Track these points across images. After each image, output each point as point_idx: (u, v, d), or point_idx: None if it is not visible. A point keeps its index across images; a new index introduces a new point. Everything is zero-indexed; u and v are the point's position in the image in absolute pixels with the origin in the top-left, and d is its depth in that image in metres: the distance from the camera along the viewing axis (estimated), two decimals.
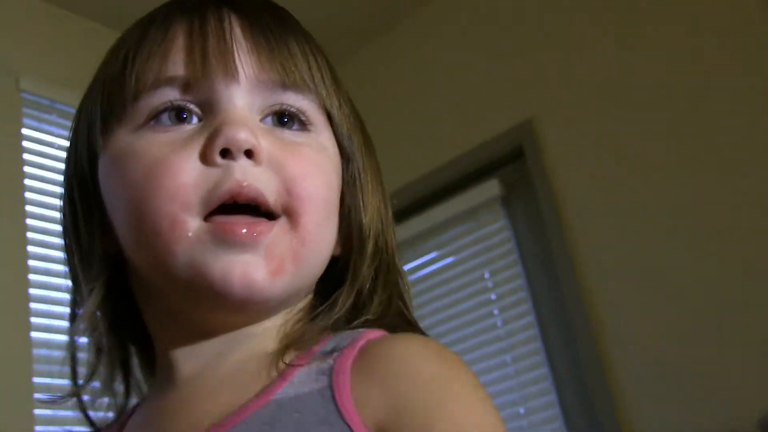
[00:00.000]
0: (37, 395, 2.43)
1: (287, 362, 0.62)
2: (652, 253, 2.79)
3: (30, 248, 2.77)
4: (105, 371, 0.71)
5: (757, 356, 2.51)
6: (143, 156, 0.63)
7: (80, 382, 0.71)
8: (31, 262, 2.76)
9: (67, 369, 0.71)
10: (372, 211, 0.72)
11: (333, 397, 0.58)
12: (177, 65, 0.65)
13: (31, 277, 2.73)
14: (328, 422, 0.57)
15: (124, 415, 0.73)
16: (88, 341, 0.70)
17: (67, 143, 0.75)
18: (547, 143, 3.12)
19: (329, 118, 0.70)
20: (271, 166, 0.63)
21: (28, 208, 2.82)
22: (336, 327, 0.66)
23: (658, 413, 2.67)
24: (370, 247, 0.70)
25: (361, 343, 0.62)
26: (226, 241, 0.61)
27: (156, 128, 0.64)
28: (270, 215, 0.63)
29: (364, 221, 0.71)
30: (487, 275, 3.21)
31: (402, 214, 3.24)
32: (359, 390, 0.58)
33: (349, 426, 0.56)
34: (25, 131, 2.95)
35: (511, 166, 3.23)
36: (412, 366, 0.59)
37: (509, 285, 3.14)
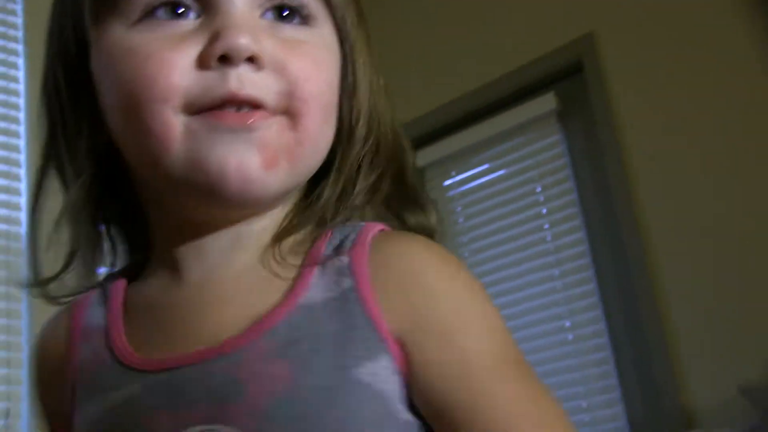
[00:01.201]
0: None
1: (297, 264, 0.63)
2: (710, 175, 2.76)
3: None
4: (84, 259, 0.69)
5: None
6: (137, 53, 0.61)
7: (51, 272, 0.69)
8: None
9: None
10: (363, 92, 0.70)
11: (359, 301, 0.60)
12: None
13: None
14: (356, 324, 0.59)
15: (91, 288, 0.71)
16: (70, 230, 0.68)
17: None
18: (607, 59, 3.07)
19: (330, 9, 0.68)
20: (272, 68, 0.62)
21: None
22: (333, 219, 0.67)
23: (705, 333, 2.69)
24: (360, 129, 0.69)
25: (368, 238, 0.63)
26: (218, 128, 0.59)
27: (151, 24, 0.62)
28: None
29: (354, 105, 0.69)
30: (538, 189, 3.21)
31: (456, 126, 3.28)
32: (380, 295, 0.60)
33: (377, 330, 0.59)
34: None
35: (568, 81, 3.19)
36: (428, 276, 0.61)
37: (560, 200, 3.14)
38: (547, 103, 3.20)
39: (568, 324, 3.02)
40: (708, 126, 2.80)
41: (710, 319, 2.69)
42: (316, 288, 0.61)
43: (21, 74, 2.76)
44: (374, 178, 0.69)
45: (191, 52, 0.60)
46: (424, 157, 3.32)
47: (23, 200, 2.65)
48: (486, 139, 3.31)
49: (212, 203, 0.62)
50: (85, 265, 0.69)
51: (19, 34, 2.79)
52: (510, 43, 3.31)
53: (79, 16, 0.66)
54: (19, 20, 2.80)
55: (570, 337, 3.00)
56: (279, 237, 0.65)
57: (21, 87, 2.75)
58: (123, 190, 0.69)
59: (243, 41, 0.59)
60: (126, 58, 0.61)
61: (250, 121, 0.60)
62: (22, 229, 2.60)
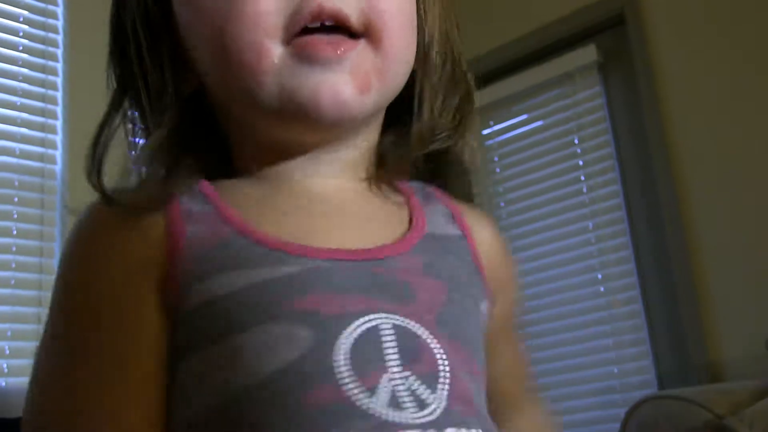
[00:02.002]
0: None
1: (395, 193, 0.71)
2: (751, 128, 2.75)
3: None
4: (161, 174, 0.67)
5: None
6: None
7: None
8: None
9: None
10: (434, 18, 0.71)
11: (470, 251, 0.69)
12: None
13: None
14: (474, 269, 0.69)
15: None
16: (147, 161, 0.67)
17: None
18: (650, 12, 3.05)
19: None
20: None
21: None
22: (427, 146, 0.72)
23: (736, 288, 2.69)
24: (435, 55, 0.71)
25: (449, 201, 0.74)
26: (311, 61, 0.60)
27: None
28: (352, 36, 0.62)
29: (425, 29, 0.70)
30: (576, 141, 3.20)
31: (497, 74, 3.26)
32: (482, 254, 0.70)
33: (482, 278, 0.69)
34: None
35: (610, 33, 3.18)
36: (508, 255, 0.77)
37: (598, 153, 3.14)
38: (588, 54, 3.18)
39: (599, 276, 3.03)
40: (750, 78, 2.78)
41: (741, 274, 2.70)
42: (432, 223, 0.69)
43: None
44: (456, 105, 0.71)
45: None
46: None
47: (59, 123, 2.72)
48: (525, 89, 3.31)
49: (309, 130, 0.64)
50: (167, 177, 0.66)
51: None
52: None
53: None
54: None
55: (602, 289, 3.01)
56: (389, 165, 0.71)
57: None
58: (203, 124, 0.70)
59: None
60: None
61: (340, 50, 0.61)
62: (58, 152, 2.69)
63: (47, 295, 2.48)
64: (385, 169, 0.70)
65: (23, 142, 2.62)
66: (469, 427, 0.56)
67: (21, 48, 2.69)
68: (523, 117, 3.34)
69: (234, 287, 0.58)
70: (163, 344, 0.58)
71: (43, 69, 2.72)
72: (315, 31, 0.61)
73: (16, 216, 2.57)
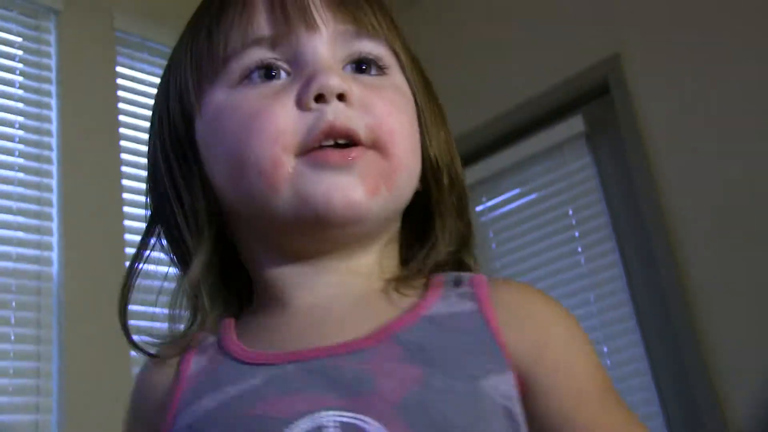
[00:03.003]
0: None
1: (413, 293, 0.71)
2: (742, 192, 2.75)
3: (124, 182, 2.87)
4: (199, 319, 0.74)
5: None
6: (241, 108, 0.68)
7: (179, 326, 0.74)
8: (125, 195, 2.86)
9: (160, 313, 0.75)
10: (438, 144, 0.76)
11: (484, 321, 0.67)
12: (261, 26, 0.70)
13: (126, 209, 2.83)
14: (482, 340, 0.65)
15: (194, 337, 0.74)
16: (192, 291, 0.73)
17: (155, 86, 0.80)
18: (633, 79, 3.08)
19: (398, 60, 0.75)
20: (360, 107, 0.68)
21: (122, 143, 2.92)
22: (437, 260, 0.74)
23: (743, 355, 2.67)
24: (445, 178, 0.76)
25: (483, 278, 0.71)
26: (323, 167, 0.65)
27: (248, 86, 0.69)
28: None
29: (431, 154, 0.75)
30: (570, 212, 3.21)
31: (485, 150, 3.25)
32: (503, 324, 0.67)
33: (499, 347, 0.65)
34: (119, 68, 3.03)
35: (596, 103, 3.20)
36: (546, 313, 0.71)
37: (593, 222, 3.14)
38: (575, 125, 3.21)
39: (605, 349, 2.99)
40: (738, 144, 2.79)
41: (745, 337, 2.68)
42: (439, 306, 0.68)
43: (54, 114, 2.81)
44: (464, 224, 0.77)
45: (290, 99, 0.67)
46: None
47: (54, 239, 2.69)
48: (515, 163, 3.34)
49: (321, 234, 0.68)
50: (199, 320, 0.73)
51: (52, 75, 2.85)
52: (537, 66, 3.33)
53: (184, 95, 0.74)
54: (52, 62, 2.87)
55: (608, 362, 2.97)
56: (401, 277, 0.72)
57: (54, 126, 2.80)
58: (224, 251, 0.75)
59: (334, 81, 0.67)
60: (232, 114, 0.69)
61: (351, 157, 0.66)
62: (54, 269, 2.65)
63: (44, 401, 2.53)
64: (403, 274, 0.73)
65: (20, 246, 2.61)
66: None
67: (17, 153, 2.70)
68: (516, 191, 3.36)
69: (210, 406, 0.64)
70: None
71: (37, 172, 2.73)
72: (328, 147, 0.66)
73: (13, 321, 2.54)
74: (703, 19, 2.94)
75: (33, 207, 2.68)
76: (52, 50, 2.86)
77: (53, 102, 2.80)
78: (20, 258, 2.60)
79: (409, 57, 0.78)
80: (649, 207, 2.94)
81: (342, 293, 0.70)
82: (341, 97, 0.67)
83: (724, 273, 2.74)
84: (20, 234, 2.62)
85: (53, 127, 2.78)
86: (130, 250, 2.74)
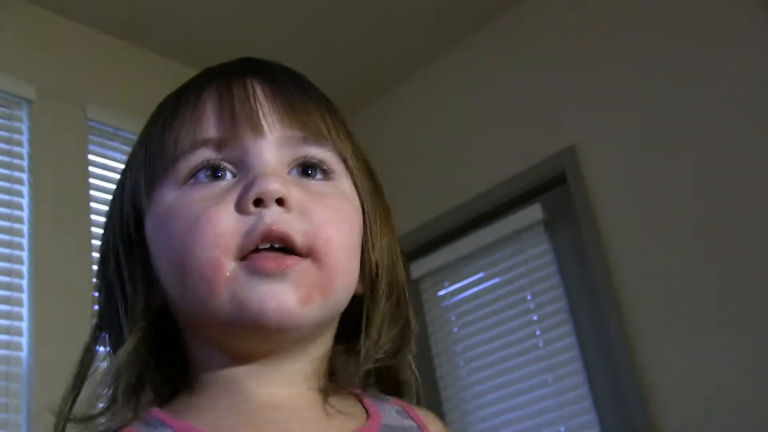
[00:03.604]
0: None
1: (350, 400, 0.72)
2: (696, 281, 2.79)
3: (95, 259, 2.69)
4: (122, 400, 0.71)
5: None
6: (185, 211, 0.68)
7: (98, 406, 0.72)
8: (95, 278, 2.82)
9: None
10: (380, 249, 0.76)
11: None
12: (209, 128, 0.71)
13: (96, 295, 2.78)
14: None
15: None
16: (114, 376, 0.71)
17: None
18: (589, 169, 3.12)
19: (346, 165, 0.75)
20: (299, 212, 0.68)
21: (93, 229, 2.91)
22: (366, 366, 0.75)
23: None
24: (383, 284, 0.76)
25: (403, 403, 0.75)
26: (258, 273, 0.65)
27: (195, 186, 0.70)
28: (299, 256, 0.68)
29: (372, 259, 0.75)
30: (529, 297, 3.22)
31: (449, 237, 3.29)
32: None
33: None
34: (90, 157, 3.04)
35: (554, 191, 3.24)
36: None
37: (551, 307, 3.15)
38: (534, 213, 3.23)
39: (563, 429, 3.01)
40: (690, 232, 2.83)
41: (696, 417, 2.70)
42: (387, 416, 0.71)
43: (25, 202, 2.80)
44: (397, 332, 0.76)
45: (231, 203, 0.67)
46: (418, 268, 3.38)
47: (25, 325, 2.66)
48: (477, 250, 3.35)
49: (259, 338, 0.68)
50: (125, 404, 0.71)
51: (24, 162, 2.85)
52: (497, 157, 3.38)
53: (136, 192, 0.74)
54: (24, 150, 2.86)
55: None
56: (340, 377, 0.74)
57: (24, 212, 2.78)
58: (164, 340, 0.74)
59: (273, 185, 0.67)
60: (177, 216, 0.69)
61: (284, 266, 0.66)
62: (23, 354, 2.62)
63: None
64: (336, 381, 0.73)
65: None
66: None
67: None
68: (478, 276, 3.37)
69: None
70: None
71: (8, 258, 2.72)
72: (266, 250, 0.66)
73: None
74: (653, 109, 3.01)
75: (3, 292, 2.64)
76: (24, 138, 2.87)
77: (24, 189, 2.80)
78: None
79: (360, 162, 0.78)
80: (604, 292, 2.96)
81: (296, 396, 0.70)
82: (280, 201, 0.67)
83: (676, 356, 2.77)
84: None
85: (24, 214, 2.77)
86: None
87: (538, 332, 3.15)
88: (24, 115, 2.89)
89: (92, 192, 2.97)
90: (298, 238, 0.67)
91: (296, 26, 3.38)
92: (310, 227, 0.68)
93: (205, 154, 0.70)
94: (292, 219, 0.67)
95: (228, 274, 0.65)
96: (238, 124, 0.70)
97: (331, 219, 0.69)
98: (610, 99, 3.13)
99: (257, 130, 0.70)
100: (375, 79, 3.77)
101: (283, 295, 0.65)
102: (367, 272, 0.75)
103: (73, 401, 0.72)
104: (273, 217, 0.66)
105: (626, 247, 2.97)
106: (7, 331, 2.60)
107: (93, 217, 2.91)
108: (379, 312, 0.75)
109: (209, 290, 0.66)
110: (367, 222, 0.75)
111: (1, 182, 2.76)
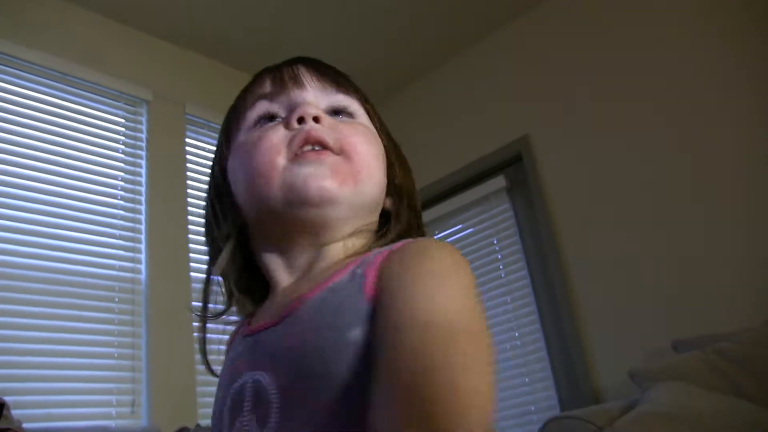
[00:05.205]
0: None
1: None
2: (616, 236, 2.82)
3: (190, 222, 2.93)
4: (232, 299, 0.73)
5: None
6: (251, 140, 0.69)
7: (213, 306, 0.73)
8: (190, 227, 2.90)
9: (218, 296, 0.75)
10: (404, 177, 0.75)
11: (362, 284, 0.56)
12: (266, 87, 0.73)
13: (190, 236, 2.88)
14: (354, 299, 0.56)
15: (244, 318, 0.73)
16: (222, 275, 0.73)
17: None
18: (538, 152, 3.17)
19: (367, 113, 0.75)
20: (330, 128, 0.68)
21: (190, 191, 2.97)
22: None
23: (610, 342, 2.72)
24: (405, 200, 0.74)
25: (392, 246, 0.61)
26: (302, 162, 0.65)
27: (257, 128, 0.70)
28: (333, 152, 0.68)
29: (396, 183, 0.73)
30: (495, 242, 3.28)
31: (438, 198, 3.41)
32: (381, 271, 0.57)
33: (367, 301, 0.55)
34: (188, 141, 3.06)
35: (513, 167, 3.29)
36: (413, 257, 0.56)
37: (510, 248, 3.22)
38: (499, 182, 3.30)
39: (516, 334, 3.08)
40: (613, 196, 2.84)
41: (613, 332, 2.72)
42: (334, 282, 0.59)
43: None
44: (418, 223, 0.74)
45: (281, 126, 0.69)
46: None
47: (143, 257, 2.71)
48: (457, 208, 3.39)
49: (303, 217, 0.65)
50: (235, 303, 0.74)
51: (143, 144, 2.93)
52: (473, 141, 3.41)
53: (219, 150, 0.76)
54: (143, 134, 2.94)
55: (518, 343, 3.07)
56: (348, 255, 0.67)
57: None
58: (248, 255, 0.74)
59: (310, 108, 0.69)
60: (247, 146, 0.69)
61: (322, 155, 0.66)
62: (142, 276, 2.68)
63: (139, 365, 2.57)
64: (356, 251, 0.67)
65: (119, 260, 2.66)
66: None
67: (119, 197, 2.75)
68: (459, 227, 3.39)
69: (225, 363, 0.66)
70: None
71: (133, 210, 2.78)
72: (308, 152, 0.67)
73: (117, 310, 2.58)
74: (589, 105, 2.99)
75: (127, 233, 2.71)
76: (143, 128, 2.92)
77: (143, 166, 2.87)
78: (120, 268, 2.65)
79: (375, 115, 0.75)
80: (548, 238, 3.04)
81: (314, 273, 0.66)
82: (316, 119, 0.67)
83: (598, 280, 2.82)
84: (120, 252, 2.66)
85: (143, 179, 2.84)
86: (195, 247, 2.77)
87: (501, 267, 3.23)
88: (144, 111, 2.95)
89: (189, 165, 3.01)
90: (331, 142, 0.67)
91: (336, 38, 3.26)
92: (340, 136, 0.68)
93: (264, 106, 0.71)
94: (326, 131, 0.67)
95: (281, 168, 0.65)
96: (285, 82, 0.72)
97: (353, 133, 0.69)
98: (555, 99, 3.13)
99: (299, 83, 0.72)
100: (386, 80, 3.68)
101: (323, 178, 0.64)
102: (394, 191, 0.73)
103: (205, 307, 0.73)
104: (312, 128, 0.67)
105: (564, 206, 3.02)
106: (131, 260, 2.70)
107: (190, 183, 2.97)
108: (403, 221, 0.71)
109: (267, 182, 0.65)
110: (390, 155, 0.74)
111: (128, 157, 2.84)
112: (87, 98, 2.78)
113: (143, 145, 2.91)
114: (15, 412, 1.80)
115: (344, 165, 0.66)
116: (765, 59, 2.53)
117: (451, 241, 3.35)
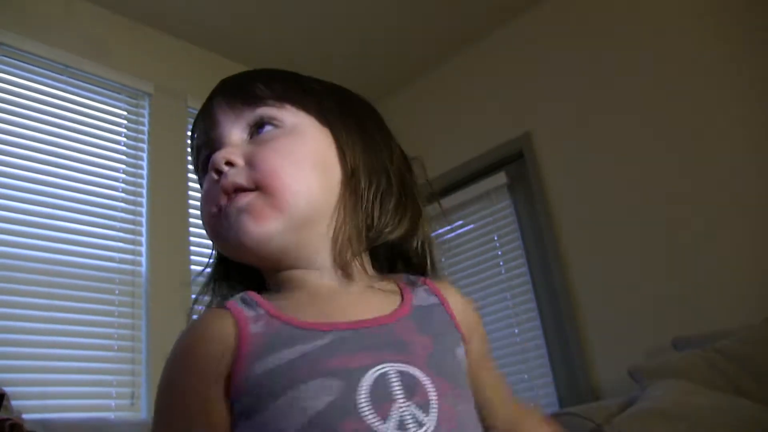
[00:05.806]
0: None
1: (391, 287, 0.71)
2: (616, 234, 2.82)
3: (190, 206, 2.90)
4: (217, 283, 0.76)
5: None
6: (202, 188, 0.73)
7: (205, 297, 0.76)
8: (191, 210, 2.90)
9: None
10: (354, 155, 0.72)
11: (446, 310, 0.70)
12: (196, 135, 0.76)
13: (191, 219, 2.88)
14: (449, 323, 0.70)
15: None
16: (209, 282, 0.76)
17: None
18: (539, 149, 3.17)
19: (297, 107, 0.73)
20: (247, 162, 0.68)
21: (190, 183, 2.96)
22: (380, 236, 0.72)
23: (610, 334, 2.72)
24: (362, 180, 0.72)
25: (430, 282, 0.73)
26: (227, 213, 0.67)
27: (202, 173, 0.74)
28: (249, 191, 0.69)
29: (348, 164, 0.72)
30: (495, 238, 3.27)
31: (440, 194, 3.29)
32: (454, 312, 0.71)
33: (458, 328, 0.70)
34: (189, 141, 2.83)
35: (514, 164, 3.28)
36: (472, 307, 0.75)
37: (510, 245, 3.22)
38: (500, 179, 3.28)
39: (516, 330, 3.10)
40: (611, 190, 2.84)
41: (613, 329, 2.71)
42: (418, 298, 0.70)
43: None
44: (407, 219, 0.73)
45: (213, 175, 0.70)
46: None
47: (144, 250, 2.71)
48: (459, 203, 3.37)
49: (244, 258, 0.70)
50: (220, 286, 0.76)
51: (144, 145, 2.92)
52: (476, 138, 3.40)
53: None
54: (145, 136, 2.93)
55: (518, 339, 3.08)
56: (379, 276, 0.72)
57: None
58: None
59: (218, 157, 0.69)
60: (201, 192, 0.73)
61: (240, 201, 0.67)
62: (143, 269, 2.68)
63: (139, 345, 2.56)
64: (376, 269, 0.73)
65: (119, 252, 2.66)
66: None
67: (120, 189, 2.76)
68: (460, 222, 3.37)
69: (284, 360, 0.60)
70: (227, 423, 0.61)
71: (134, 192, 2.78)
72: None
73: (117, 302, 2.58)
74: (590, 103, 2.98)
75: (128, 225, 2.71)
76: (146, 120, 2.92)
77: (145, 156, 2.88)
78: (121, 260, 2.65)
79: (311, 95, 0.74)
80: (548, 234, 3.04)
81: (347, 283, 0.69)
82: (229, 163, 0.68)
83: (598, 277, 2.81)
84: (120, 244, 2.67)
85: (144, 172, 2.84)
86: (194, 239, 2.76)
87: (501, 263, 3.22)
88: (146, 103, 2.95)
89: (190, 158, 2.70)
90: (245, 182, 0.67)
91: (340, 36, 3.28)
92: (255, 172, 0.68)
93: (201, 154, 0.74)
94: (240, 172, 0.68)
95: (215, 220, 0.68)
96: (206, 126, 0.73)
97: (272, 156, 0.68)
98: (557, 98, 3.12)
99: (213, 122, 0.73)
100: (388, 77, 3.69)
101: (245, 225, 0.66)
102: (345, 173, 0.72)
103: (199, 295, 0.76)
104: (225, 176, 0.68)
105: (565, 203, 3.02)
106: (132, 252, 2.70)
107: (191, 176, 2.94)
108: (366, 198, 0.71)
109: (210, 233, 0.70)
110: (336, 137, 0.73)
111: (130, 149, 2.84)
112: (89, 91, 2.79)
113: (145, 138, 2.91)
114: (14, 403, 1.77)
115: (263, 200, 0.67)
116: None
117: (451, 237, 3.36)
